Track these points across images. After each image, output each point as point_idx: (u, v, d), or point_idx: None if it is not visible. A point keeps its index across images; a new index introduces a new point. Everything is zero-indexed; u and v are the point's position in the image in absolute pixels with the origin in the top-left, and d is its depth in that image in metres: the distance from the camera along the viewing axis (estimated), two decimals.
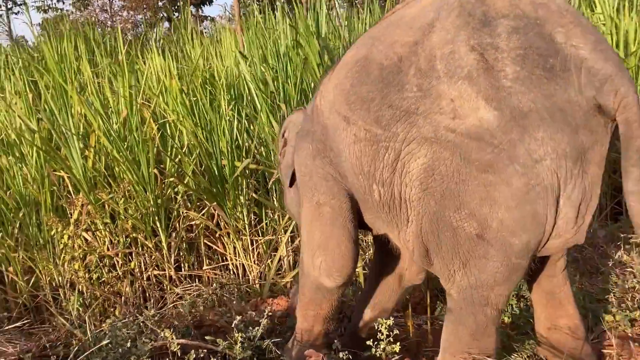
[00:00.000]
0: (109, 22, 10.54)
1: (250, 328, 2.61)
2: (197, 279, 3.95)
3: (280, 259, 3.94)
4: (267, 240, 3.97)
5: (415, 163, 1.89)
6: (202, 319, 3.09)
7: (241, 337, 2.44)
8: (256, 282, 3.90)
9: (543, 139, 1.73)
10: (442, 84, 1.81)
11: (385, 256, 2.57)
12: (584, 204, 1.84)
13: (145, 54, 5.56)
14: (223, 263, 4.02)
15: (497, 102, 1.74)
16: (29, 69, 5.24)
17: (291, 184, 2.58)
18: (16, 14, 11.32)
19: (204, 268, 3.93)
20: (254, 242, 3.98)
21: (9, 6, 10.98)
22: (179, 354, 2.39)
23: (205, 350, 2.42)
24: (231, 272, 4.01)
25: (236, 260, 3.98)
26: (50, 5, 11.35)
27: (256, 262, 3.96)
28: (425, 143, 1.85)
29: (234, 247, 3.97)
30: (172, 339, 2.34)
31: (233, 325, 2.50)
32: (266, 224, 4.02)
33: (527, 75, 1.74)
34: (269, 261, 3.88)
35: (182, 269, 3.94)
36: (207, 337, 2.54)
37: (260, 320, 2.79)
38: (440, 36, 1.87)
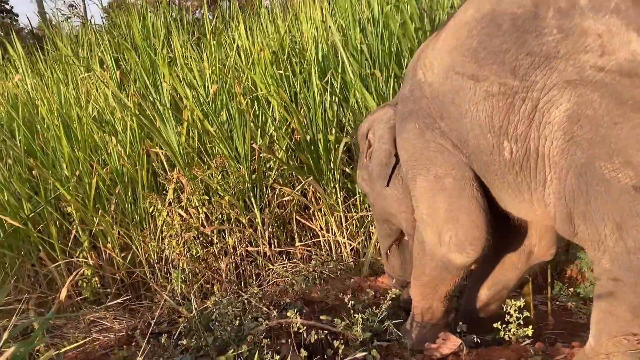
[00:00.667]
0: (177, 1, 10.55)
1: (370, 309, 2.49)
2: (287, 256, 3.88)
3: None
4: (360, 217, 3.84)
5: (557, 111, 1.73)
6: (306, 297, 3.00)
7: (361, 317, 2.32)
8: (350, 259, 3.79)
9: None
10: (586, 19, 1.66)
11: (506, 232, 2.38)
12: None
13: (225, 29, 5.48)
14: (314, 240, 3.93)
15: None
16: (113, 47, 5.26)
17: (389, 182, 2.44)
18: None
19: (296, 245, 3.85)
20: (347, 219, 3.86)
21: None
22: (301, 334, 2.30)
23: (326, 331, 2.33)
24: (323, 249, 3.91)
25: (329, 236, 3.87)
26: None
27: (349, 238, 3.85)
28: (569, 87, 1.69)
29: (326, 223, 3.86)
30: (296, 318, 2.25)
31: (349, 306, 2.39)
32: (359, 200, 3.88)
33: None
34: (362, 237, 3.76)
35: (273, 246, 3.87)
36: (323, 317, 2.44)
37: (370, 299, 2.68)
38: None
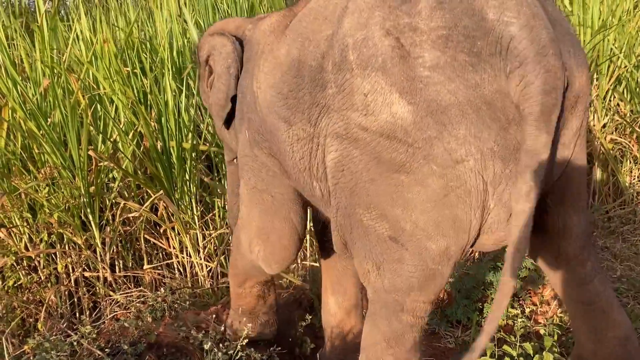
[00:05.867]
0: None
1: (221, 347, 2.12)
2: (134, 281, 3.37)
3: None
4: (219, 234, 3.45)
5: (329, 157, 1.78)
6: (152, 335, 2.53)
7: None
8: (207, 282, 3.38)
9: (465, 138, 1.56)
10: (355, 77, 1.64)
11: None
12: None
13: (65, 18, 4.80)
14: (167, 261, 3.46)
15: (412, 95, 1.56)
16: None
17: (227, 126, 2.36)
18: None
19: (144, 268, 3.35)
20: (205, 237, 3.45)
21: None
22: None
23: None
24: (176, 272, 3.45)
25: (183, 258, 3.43)
26: None
27: (206, 259, 3.44)
28: (337, 139, 1.73)
29: (180, 243, 3.42)
30: None
31: (207, 348, 2.00)
32: (218, 215, 3.49)
33: (448, 61, 1.52)
34: (221, 257, 3.37)
35: (117, 270, 3.34)
36: None
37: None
38: (353, 20, 1.68)
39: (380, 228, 1.73)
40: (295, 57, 1.87)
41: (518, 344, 2.23)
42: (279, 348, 2.39)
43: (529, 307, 2.84)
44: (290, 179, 2.08)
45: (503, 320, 2.70)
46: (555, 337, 2.42)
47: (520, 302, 2.86)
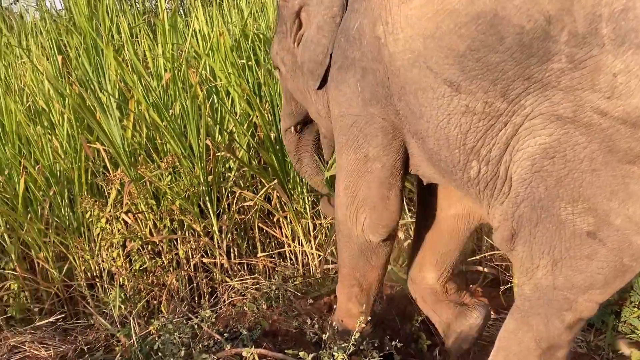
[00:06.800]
0: None
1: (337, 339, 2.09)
2: (248, 268, 3.45)
3: None
4: (330, 224, 3.43)
5: (532, 141, 1.58)
6: (267, 322, 2.57)
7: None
8: (318, 272, 3.38)
9: None
10: (605, 53, 1.39)
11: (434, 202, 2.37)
12: None
13: (183, 15, 5.01)
14: (279, 250, 3.51)
15: None
16: (57, 30, 4.71)
17: (321, 86, 2.12)
18: None
19: (258, 255, 3.41)
20: (316, 226, 3.45)
21: None
22: None
23: None
24: (288, 260, 3.49)
25: (295, 246, 3.45)
26: None
27: (317, 248, 3.44)
28: (556, 122, 1.52)
29: (292, 231, 3.44)
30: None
31: (325, 338, 1.98)
32: None
33: None
34: (332, 247, 3.35)
35: (232, 257, 3.43)
36: (290, 352, 2.04)
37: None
38: None
39: (581, 223, 1.57)
40: (489, 8, 1.53)
41: None
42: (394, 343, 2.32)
43: None
44: (420, 143, 1.86)
45: None
46: None
47: None
